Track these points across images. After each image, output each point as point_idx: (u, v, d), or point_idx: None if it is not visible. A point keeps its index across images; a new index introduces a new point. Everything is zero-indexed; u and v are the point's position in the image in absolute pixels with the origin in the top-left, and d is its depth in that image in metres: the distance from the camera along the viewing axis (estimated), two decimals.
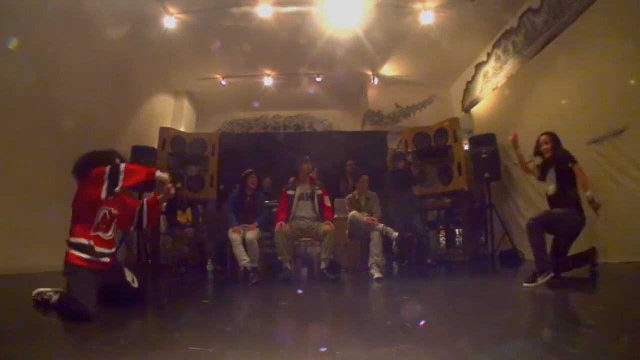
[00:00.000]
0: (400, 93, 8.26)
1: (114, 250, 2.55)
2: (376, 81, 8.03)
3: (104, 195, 2.31)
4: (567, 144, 4.38)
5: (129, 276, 2.60)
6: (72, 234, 2.36)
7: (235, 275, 4.60)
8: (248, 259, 4.16)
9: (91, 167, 2.39)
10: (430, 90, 8.23)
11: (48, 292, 2.37)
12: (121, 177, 2.32)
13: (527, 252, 4.90)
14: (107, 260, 2.45)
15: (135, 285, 2.59)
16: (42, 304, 2.34)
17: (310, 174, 4.62)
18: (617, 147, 3.74)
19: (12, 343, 1.66)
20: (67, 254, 2.32)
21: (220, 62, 7.20)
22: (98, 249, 2.37)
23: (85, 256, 2.30)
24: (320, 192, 4.48)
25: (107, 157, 2.50)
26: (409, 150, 6.03)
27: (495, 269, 4.94)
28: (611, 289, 2.91)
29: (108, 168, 2.34)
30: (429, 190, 6.12)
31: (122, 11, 5.28)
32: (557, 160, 3.32)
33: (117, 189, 2.33)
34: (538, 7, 5.15)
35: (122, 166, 2.36)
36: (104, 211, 2.43)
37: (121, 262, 2.86)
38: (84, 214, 2.38)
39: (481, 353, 1.44)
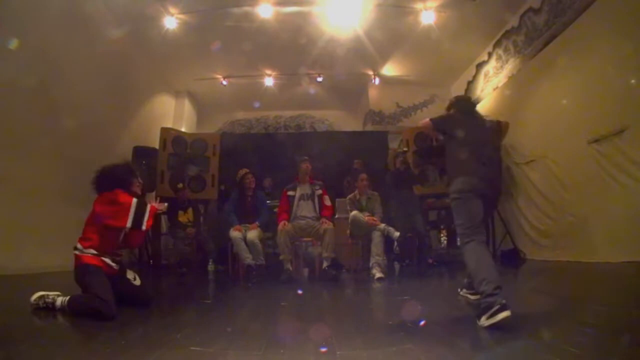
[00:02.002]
0: (401, 93, 8.26)
1: (120, 257, 2.65)
2: (377, 81, 8.02)
3: (129, 224, 2.45)
4: (568, 143, 4.42)
5: (130, 274, 2.64)
6: (85, 244, 2.42)
7: (236, 274, 4.60)
8: (251, 256, 4.18)
9: (113, 184, 2.52)
10: (431, 89, 8.23)
11: (49, 295, 2.36)
12: (146, 217, 2.51)
13: (528, 251, 4.91)
14: (116, 266, 2.54)
15: (137, 282, 2.62)
16: (45, 308, 2.33)
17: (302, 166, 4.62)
18: (617, 146, 3.73)
19: (12, 343, 1.66)
20: (80, 256, 2.38)
21: (220, 62, 7.20)
22: (108, 258, 2.49)
23: (99, 258, 2.42)
24: (320, 191, 4.49)
25: (127, 175, 2.63)
26: (405, 149, 6.02)
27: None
28: (611, 289, 2.90)
29: (135, 202, 2.48)
30: (430, 189, 6.12)
31: (123, 11, 5.29)
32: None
33: (143, 228, 2.50)
34: (539, 6, 5.14)
35: (149, 207, 2.52)
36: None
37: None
38: (105, 234, 2.47)
39: (481, 353, 1.44)
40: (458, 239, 2.39)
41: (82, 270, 2.35)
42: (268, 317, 2.41)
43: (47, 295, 2.36)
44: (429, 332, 1.82)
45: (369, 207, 4.59)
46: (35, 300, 2.36)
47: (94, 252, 2.41)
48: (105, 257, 2.46)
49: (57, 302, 2.30)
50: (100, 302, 2.13)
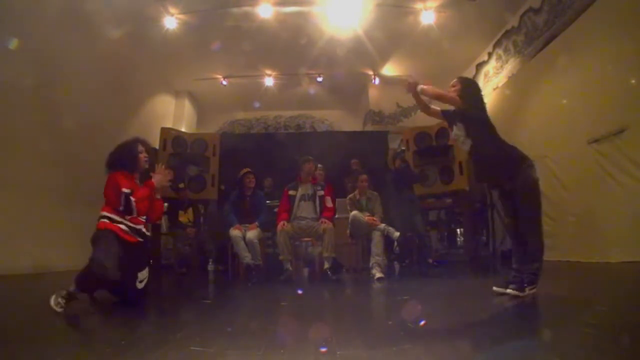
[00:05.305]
0: (401, 93, 8.13)
1: (142, 227, 2.66)
2: (377, 81, 8.03)
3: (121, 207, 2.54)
4: (568, 143, 4.42)
5: (143, 275, 2.58)
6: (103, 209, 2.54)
7: (236, 274, 4.61)
8: (250, 255, 4.18)
9: (118, 165, 2.65)
10: None
11: (61, 291, 2.28)
12: (134, 207, 2.56)
13: None
14: (133, 234, 2.57)
15: (140, 286, 2.57)
16: (67, 300, 2.26)
17: (315, 173, 4.62)
18: (617, 146, 3.73)
19: (12, 343, 1.66)
20: (98, 223, 2.46)
21: (220, 62, 7.21)
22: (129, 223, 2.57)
23: (116, 220, 2.50)
24: (322, 192, 4.48)
25: (130, 152, 2.75)
26: (403, 148, 6.02)
27: (496, 269, 4.93)
28: (611, 289, 2.90)
29: (123, 196, 2.53)
30: (430, 189, 6.12)
31: (123, 11, 5.29)
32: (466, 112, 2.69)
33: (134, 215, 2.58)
34: (538, 6, 5.15)
35: (132, 201, 2.55)
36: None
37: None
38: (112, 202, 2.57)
39: (481, 353, 1.44)
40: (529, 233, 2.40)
41: (94, 235, 2.42)
42: (268, 317, 2.40)
43: (60, 291, 2.27)
44: (429, 332, 1.82)
45: (369, 207, 4.58)
46: (54, 303, 2.22)
47: (107, 219, 2.49)
48: (121, 224, 2.51)
49: (70, 288, 2.28)
50: (91, 262, 2.18)
